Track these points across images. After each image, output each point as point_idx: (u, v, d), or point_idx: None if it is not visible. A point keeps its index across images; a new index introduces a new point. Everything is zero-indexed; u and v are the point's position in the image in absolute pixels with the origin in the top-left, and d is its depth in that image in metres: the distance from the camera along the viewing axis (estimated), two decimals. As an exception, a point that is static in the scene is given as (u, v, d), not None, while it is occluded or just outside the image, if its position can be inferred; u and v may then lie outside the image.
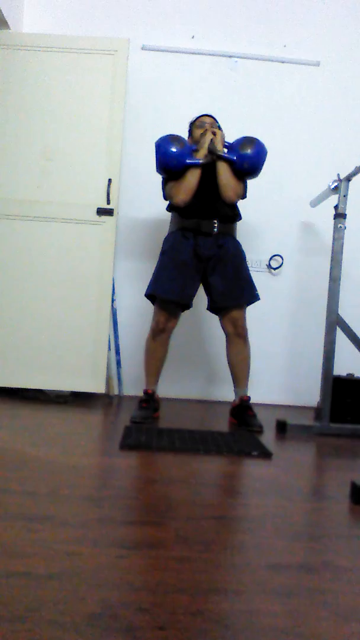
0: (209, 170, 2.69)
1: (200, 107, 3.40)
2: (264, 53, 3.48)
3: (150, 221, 3.43)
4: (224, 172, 2.65)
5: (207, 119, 2.82)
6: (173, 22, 3.49)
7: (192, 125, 2.85)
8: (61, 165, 3.14)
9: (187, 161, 2.64)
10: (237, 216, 2.78)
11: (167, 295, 2.68)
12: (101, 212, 3.13)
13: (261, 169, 2.70)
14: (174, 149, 2.62)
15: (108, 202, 3.13)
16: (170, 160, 2.63)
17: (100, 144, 3.14)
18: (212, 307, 2.77)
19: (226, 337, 2.77)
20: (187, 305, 2.74)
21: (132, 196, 3.43)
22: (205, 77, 3.49)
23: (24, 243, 3.14)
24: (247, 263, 2.80)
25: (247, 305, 2.76)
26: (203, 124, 2.78)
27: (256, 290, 2.78)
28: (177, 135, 2.69)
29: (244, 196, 2.76)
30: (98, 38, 3.20)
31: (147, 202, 3.42)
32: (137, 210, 3.45)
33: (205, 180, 2.69)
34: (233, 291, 2.70)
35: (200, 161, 2.65)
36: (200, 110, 3.27)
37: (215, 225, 2.69)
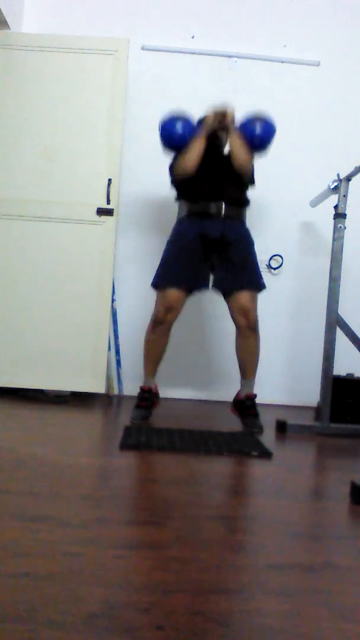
0: (215, 152, 2.67)
1: (200, 107, 3.39)
2: (264, 53, 3.48)
3: (150, 221, 3.43)
4: (236, 143, 2.64)
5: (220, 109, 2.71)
6: (173, 22, 3.49)
7: (203, 119, 2.76)
8: (61, 165, 3.14)
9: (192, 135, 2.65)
10: (245, 201, 2.74)
11: (176, 284, 2.61)
12: (101, 212, 3.13)
13: (269, 145, 2.70)
14: (178, 125, 2.64)
15: (108, 202, 3.13)
16: (175, 135, 2.64)
17: (100, 144, 3.14)
18: (217, 287, 2.68)
19: (237, 329, 2.69)
20: (196, 288, 2.66)
21: (132, 196, 3.43)
22: (205, 77, 3.49)
23: (24, 243, 3.14)
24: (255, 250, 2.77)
25: (256, 292, 2.69)
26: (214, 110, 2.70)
27: (262, 279, 2.72)
28: (182, 112, 2.69)
29: (252, 180, 2.75)
30: (98, 38, 3.20)
31: (147, 202, 3.42)
32: (137, 210, 3.45)
33: (212, 162, 2.66)
34: (239, 274, 2.63)
35: (205, 131, 2.64)
36: (199, 111, 3.26)
37: (223, 207, 2.65)
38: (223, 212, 2.65)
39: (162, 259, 2.73)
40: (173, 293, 2.62)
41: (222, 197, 2.66)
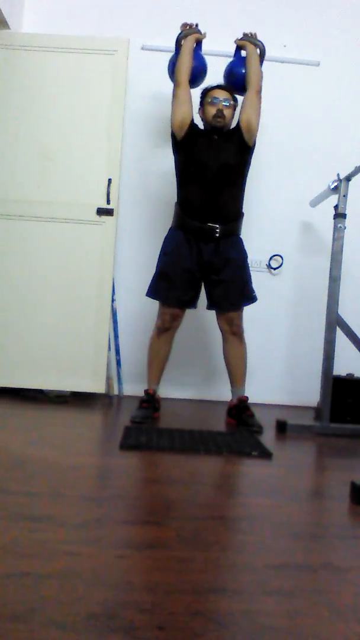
0: (209, 152, 2.66)
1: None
2: (264, 53, 3.48)
3: (150, 221, 3.43)
4: (253, 57, 2.78)
5: (221, 94, 2.70)
6: (173, 22, 3.48)
7: (204, 95, 2.75)
8: (61, 165, 3.14)
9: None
10: (241, 214, 2.76)
11: (170, 302, 2.69)
12: (101, 212, 3.13)
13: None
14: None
15: (108, 202, 3.13)
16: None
17: (100, 144, 3.14)
18: (211, 307, 2.79)
19: (222, 335, 2.79)
20: (188, 306, 2.76)
21: (132, 196, 3.43)
22: (205, 77, 3.48)
23: (24, 243, 3.14)
24: (249, 262, 2.81)
25: (243, 306, 2.76)
26: (216, 101, 2.68)
27: (253, 292, 2.77)
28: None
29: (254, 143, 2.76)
30: (98, 38, 3.20)
31: (147, 202, 3.42)
32: (137, 210, 3.45)
33: (205, 166, 2.66)
34: (231, 296, 2.71)
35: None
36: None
37: (217, 229, 2.67)
38: (217, 234, 2.68)
39: (156, 270, 2.77)
40: (177, 309, 2.71)
41: (218, 217, 2.67)
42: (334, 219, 2.74)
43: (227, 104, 2.69)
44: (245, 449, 2.17)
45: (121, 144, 3.17)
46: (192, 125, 2.74)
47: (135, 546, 1.24)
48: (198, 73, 2.85)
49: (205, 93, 2.76)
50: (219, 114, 2.66)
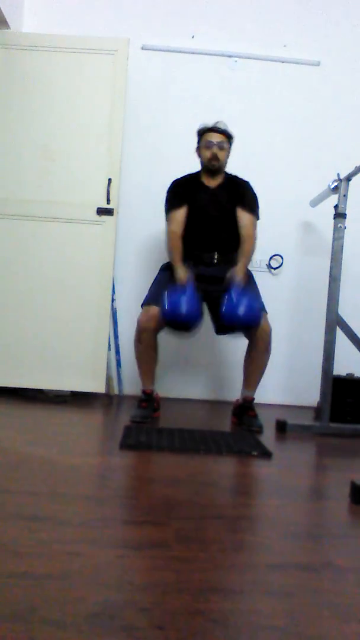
0: (209, 203, 2.72)
1: (200, 107, 3.39)
2: (264, 53, 3.48)
3: (150, 221, 3.42)
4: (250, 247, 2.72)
5: (215, 137, 2.72)
6: (173, 22, 3.49)
7: (200, 137, 2.78)
8: (61, 165, 3.14)
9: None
10: (238, 244, 2.76)
11: (149, 302, 2.68)
12: (101, 212, 3.13)
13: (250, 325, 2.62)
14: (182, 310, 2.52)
15: (108, 202, 3.13)
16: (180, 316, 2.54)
17: (100, 144, 3.14)
18: (221, 327, 2.75)
19: (250, 342, 2.70)
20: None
21: (132, 196, 3.43)
22: (205, 77, 3.48)
23: (24, 243, 3.14)
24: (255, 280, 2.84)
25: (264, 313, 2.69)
26: (211, 145, 2.71)
27: (262, 305, 2.72)
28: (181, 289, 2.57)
29: (257, 216, 2.79)
30: (98, 38, 3.20)
31: (147, 202, 3.41)
32: (137, 210, 3.45)
33: (205, 216, 2.72)
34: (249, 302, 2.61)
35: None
36: (199, 111, 3.26)
37: (215, 257, 2.75)
38: (215, 261, 2.75)
39: (153, 282, 2.80)
40: (155, 308, 2.62)
41: (215, 248, 2.76)
42: (334, 219, 2.74)
43: (222, 147, 2.72)
44: (245, 449, 2.17)
45: (121, 144, 3.16)
46: (186, 189, 2.77)
47: (136, 546, 1.24)
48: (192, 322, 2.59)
49: (201, 135, 2.78)
50: (214, 158, 2.71)
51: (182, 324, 2.55)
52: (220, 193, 2.77)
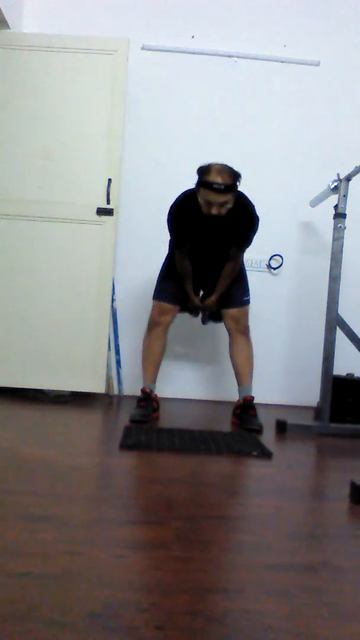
0: (206, 241, 2.65)
1: (200, 107, 3.39)
2: (264, 53, 3.48)
3: (151, 221, 3.43)
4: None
5: (218, 199, 2.36)
6: (173, 22, 3.49)
7: (199, 186, 2.42)
8: (61, 165, 3.14)
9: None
10: (241, 270, 2.82)
11: (160, 296, 2.78)
12: (101, 212, 3.13)
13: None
14: None
15: (108, 202, 3.13)
16: None
17: (100, 144, 3.14)
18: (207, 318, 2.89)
19: (229, 334, 2.82)
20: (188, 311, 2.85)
21: (132, 196, 3.43)
22: (205, 77, 3.48)
23: (24, 243, 3.14)
24: (249, 262, 2.88)
25: (244, 306, 2.81)
26: (211, 205, 2.40)
27: (248, 295, 2.83)
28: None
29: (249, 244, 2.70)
30: (98, 38, 3.20)
31: (147, 202, 3.42)
32: (137, 210, 3.45)
33: (201, 253, 2.70)
34: (228, 296, 2.77)
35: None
36: (199, 111, 3.26)
37: (201, 293, 2.84)
38: (201, 295, 2.84)
39: (159, 275, 2.85)
40: (167, 304, 2.76)
41: (204, 287, 2.82)
42: (334, 219, 2.74)
43: (224, 205, 2.41)
44: (245, 449, 2.17)
45: (121, 144, 3.17)
46: (188, 221, 2.56)
47: (135, 546, 1.24)
48: None
49: (200, 184, 2.40)
50: (214, 215, 2.43)
51: None
52: (220, 228, 2.55)
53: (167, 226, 2.69)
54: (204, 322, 2.93)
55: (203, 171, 2.39)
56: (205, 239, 2.64)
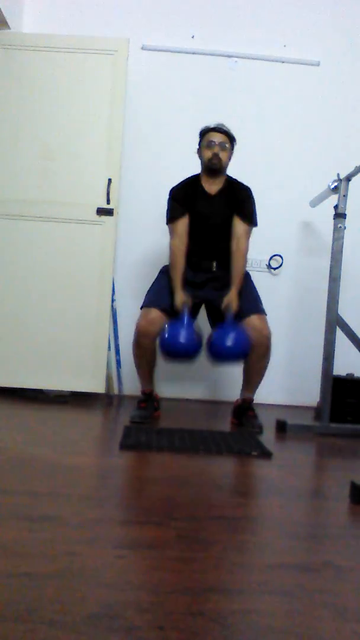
0: (209, 211, 2.68)
1: (200, 106, 3.40)
2: (264, 53, 3.48)
3: (151, 221, 3.43)
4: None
5: (217, 137, 2.67)
6: (173, 22, 3.49)
7: (202, 137, 2.72)
8: (61, 165, 3.14)
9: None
10: (249, 283, 2.76)
11: (157, 307, 2.64)
12: (101, 212, 3.13)
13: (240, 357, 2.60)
14: (181, 341, 2.52)
15: (108, 202, 3.13)
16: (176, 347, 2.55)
17: (100, 144, 3.14)
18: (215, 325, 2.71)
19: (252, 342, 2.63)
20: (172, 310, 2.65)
21: (132, 196, 3.43)
22: (205, 77, 3.49)
23: (24, 243, 3.14)
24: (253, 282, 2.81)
25: (263, 315, 2.67)
26: (212, 144, 2.66)
27: (261, 305, 2.71)
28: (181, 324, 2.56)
29: (256, 224, 2.76)
30: (98, 38, 3.20)
31: (147, 202, 3.42)
32: (137, 210, 3.45)
33: (205, 225, 2.70)
34: (243, 302, 2.63)
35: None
36: (199, 111, 3.26)
37: (214, 265, 2.75)
38: (214, 268, 2.74)
39: (152, 285, 2.79)
40: (155, 311, 2.63)
41: (214, 256, 2.74)
42: (334, 219, 2.74)
43: (223, 147, 2.67)
44: (245, 449, 2.17)
45: (121, 143, 3.17)
46: (186, 196, 2.72)
47: (136, 546, 1.24)
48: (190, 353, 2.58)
49: (202, 135, 2.73)
50: (215, 158, 2.65)
51: (182, 355, 2.58)
52: (220, 200, 2.72)
53: (166, 213, 2.75)
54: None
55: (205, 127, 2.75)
56: (205, 214, 2.68)
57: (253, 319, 2.61)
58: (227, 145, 2.69)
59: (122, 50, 3.14)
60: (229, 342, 2.51)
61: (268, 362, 2.69)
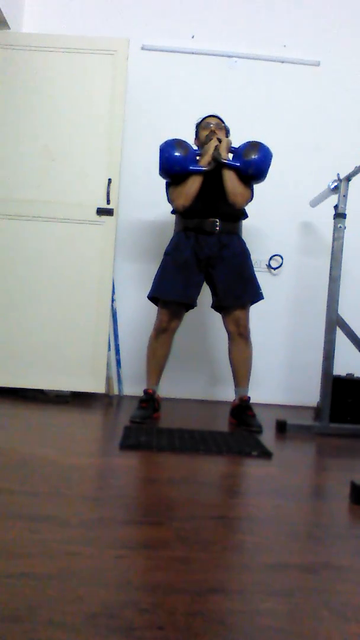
0: (211, 171, 2.69)
1: (199, 107, 3.38)
2: (263, 53, 3.48)
3: (151, 221, 3.43)
4: (231, 179, 2.65)
5: (213, 120, 2.81)
6: (173, 22, 3.49)
7: (198, 126, 2.84)
8: (61, 165, 3.14)
9: (190, 167, 2.65)
10: (241, 214, 2.78)
11: (169, 296, 2.69)
12: (101, 212, 3.13)
13: (266, 173, 2.70)
14: (177, 154, 2.64)
15: (108, 202, 3.13)
16: (174, 165, 2.65)
17: (100, 144, 3.14)
18: (216, 306, 2.79)
19: (228, 336, 2.79)
20: (190, 305, 2.74)
21: (132, 196, 3.43)
22: (205, 77, 3.49)
23: (24, 243, 3.14)
24: (252, 261, 2.82)
25: (251, 304, 2.76)
26: (208, 125, 2.78)
27: (260, 289, 2.78)
28: (182, 140, 2.70)
29: (244, 213, 2.79)
30: (98, 38, 3.20)
31: (147, 202, 3.41)
32: (137, 210, 3.45)
33: (207, 180, 2.68)
34: (235, 290, 2.71)
35: (204, 168, 2.65)
36: (199, 111, 3.26)
37: (217, 224, 2.70)
38: (218, 228, 2.70)
39: (158, 270, 2.78)
40: (173, 305, 2.70)
41: (217, 214, 2.71)
42: (334, 219, 2.74)
43: (220, 127, 2.80)
44: (245, 449, 2.17)
45: (121, 144, 3.17)
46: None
47: (135, 546, 1.24)
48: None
49: (198, 124, 2.85)
50: (212, 135, 2.72)
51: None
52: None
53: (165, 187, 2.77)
54: (214, 306, 2.80)
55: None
56: (207, 175, 2.67)
57: (233, 313, 2.72)
58: (222, 125, 2.81)
59: (122, 50, 3.14)
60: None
61: (251, 353, 2.78)
